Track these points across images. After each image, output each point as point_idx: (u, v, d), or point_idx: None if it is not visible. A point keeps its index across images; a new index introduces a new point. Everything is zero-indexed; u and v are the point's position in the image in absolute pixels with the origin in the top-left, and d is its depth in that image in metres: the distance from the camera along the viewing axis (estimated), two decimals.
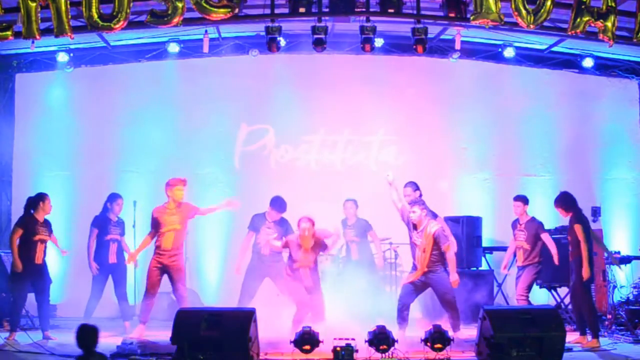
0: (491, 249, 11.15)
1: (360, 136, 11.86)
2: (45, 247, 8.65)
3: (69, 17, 8.53)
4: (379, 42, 10.73)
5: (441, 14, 9.27)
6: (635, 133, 12.10)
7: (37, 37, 8.59)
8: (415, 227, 8.44)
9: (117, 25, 8.54)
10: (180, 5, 8.48)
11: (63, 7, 8.46)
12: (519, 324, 6.72)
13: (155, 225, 8.57)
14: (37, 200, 8.58)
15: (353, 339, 6.88)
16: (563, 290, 10.31)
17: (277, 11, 9.05)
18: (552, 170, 12.03)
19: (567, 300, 10.19)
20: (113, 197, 9.55)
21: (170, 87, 11.59)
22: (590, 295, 8.21)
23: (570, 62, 11.92)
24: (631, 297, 9.57)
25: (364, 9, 9.06)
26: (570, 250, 8.36)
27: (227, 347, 6.51)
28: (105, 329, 9.30)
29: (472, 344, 7.30)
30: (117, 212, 9.52)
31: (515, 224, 9.22)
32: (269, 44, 9.30)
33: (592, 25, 8.82)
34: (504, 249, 10.57)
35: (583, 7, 8.74)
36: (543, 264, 9.07)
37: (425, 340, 7.11)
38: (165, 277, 8.64)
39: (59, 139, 11.48)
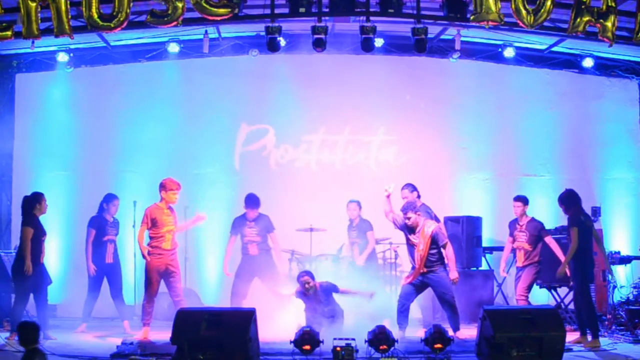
0: (491, 249, 11.15)
1: (360, 136, 11.85)
2: (45, 246, 8.65)
3: (69, 17, 8.53)
4: (379, 42, 10.74)
5: (441, 14, 9.27)
6: (635, 133, 12.11)
7: (37, 37, 8.59)
8: (412, 230, 8.46)
9: (117, 25, 8.54)
10: (180, 5, 8.48)
11: (63, 7, 8.46)
12: (519, 324, 6.72)
13: (153, 224, 8.56)
14: (35, 200, 8.56)
15: (353, 339, 6.88)
16: (563, 290, 10.32)
17: (277, 11, 9.05)
18: (552, 170, 12.03)
19: (567, 300, 10.20)
20: (109, 198, 9.55)
21: (170, 87, 11.59)
22: (589, 296, 8.19)
23: (570, 62, 11.92)
24: (631, 297, 9.56)
25: (364, 9, 9.05)
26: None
27: (227, 347, 6.51)
28: (105, 329, 9.42)
29: (472, 344, 7.29)
30: (113, 213, 9.53)
31: (513, 224, 9.22)
32: (269, 44, 9.30)
33: (592, 25, 8.82)
34: (503, 249, 10.57)
35: (583, 7, 8.74)
36: (543, 263, 9.08)
37: (425, 340, 7.11)
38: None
39: (59, 139, 11.48)
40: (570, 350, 7.53)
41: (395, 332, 7.59)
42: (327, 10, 9.08)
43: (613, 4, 8.79)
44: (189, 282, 10.92)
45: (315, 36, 9.16)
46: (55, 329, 8.94)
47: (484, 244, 10.92)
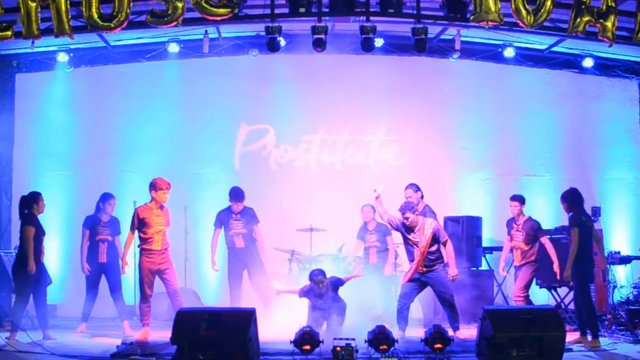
0: (491, 249, 11.14)
1: (360, 136, 11.86)
2: (44, 246, 8.64)
3: (69, 17, 8.53)
4: (379, 42, 10.74)
5: (441, 14, 9.27)
6: (635, 133, 12.11)
7: (37, 37, 8.58)
8: (411, 229, 8.46)
9: (117, 25, 8.53)
10: (180, 5, 8.48)
11: (63, 7, 8.46)
12: (519, 324, 6.72)
13: (142, 225, 8.51)
14: (32, 200, 8.54)
15: (353, 339, 6.88)
16: (563, 290, 10.32)
17: (277, 11, 9.04)
18: (552, 170, 12.03)
19: (567, 300, 10.20)
20: (105, 197, 9.53)
21: (170, 87, 11.59)
22: (589, 296, 8.19)
23: (570, 62, 11.92)
24: (631, 297, 9.56)
25: (364, 9, 9.05)
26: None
27: (227, 347, 6.50)
28: (105, 329, 9.42)
29: (472, 344, 7.29)
30: (109, 212, 9.50)
31: (510, 224, 9.22)
32: (269, 44, 9.29)
33: (592, 25, 8.82)
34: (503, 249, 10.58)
35: (583, 7, 8.74)
36: (541, 262, 9.07)
37: (425, 340, 7.11)
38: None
39: (59, 139, 11.48)
40: (570, 350, 7.52)
41: (395, 332, 7.59)
42: (327, 10, 9.07)
43: (613, 4, 8.79)
44: (189, 282, 10.93)
45: (315, 36, 9.15)
46: (55, 329, 8.94)
47: (484, 244, 10.92)
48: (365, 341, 6.99)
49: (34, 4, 8.44)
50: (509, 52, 11.48)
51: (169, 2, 8.50)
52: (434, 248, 8.46)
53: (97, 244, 9.37)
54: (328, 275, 8.61)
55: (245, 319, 6.68)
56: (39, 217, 8.59)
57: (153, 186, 8.58)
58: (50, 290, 9.00)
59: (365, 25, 9.12)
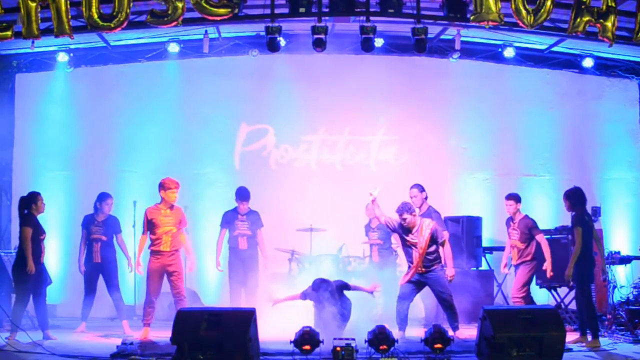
0: (491, 249, 11.15)
1: (360, 136, 11.86)
2: (44, 246, 8.64)
3: (69, 17, 8.53)
4: (379, 42, 10.74)
5: (441, 14, 9.27)
6: (635, 133, 12.11)
7: (37, 37, 8.58)
8: (408, 230, 8.46)
9: (117, 25, 8.53)
10: (180, 5, 8.48)
11: (63, 7, 8.46)
12: (519, 324, 6.71)
13: (151, 226, 8.53)
14: (31, 200, 8.54)
15: (353, 339, 6.87)
16: (563, 290, 10.31)
17: (277, 11, 9.04)
18: (552, 170, 12.03)
19: (567, 300, 10.20)
20: (102, 197, 9.51)
21: (170, 87, 11.59)
22: (589, 296, 8.19)
23: (570, 62, 11.92)
24: (631, 297, 9.56)
25: (364, 9, 9.05)
26: (572, 250, 8.35)
27: (227, 347, 6.50)
28: (105, 329, 9.42)
29: (472, 344, 7.29)
30: (106, 212, 9.48)
31: (508, 222, 9.21)
32: (269, 44, 9.29)
33: (592, 25, 8.82)
34: (503, 249, 10.56)
35: (583, 7, 8.74)
36: (539, 261, 9.04)
37: (425, 340, 7.11)
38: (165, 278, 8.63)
39: (59, 139, 11.48)
40: (570, 350, 7.52)
41: (395, 332, 7.59)
42: (327, 10, 9.07)
43: (613, 4, 8.79)
44: (189, 282, 10.89)
45: (315, 36, 9.15)
46: (55, 329, 8.94)
47: (484, 244, 10.92)
48: (365, 341, 6.99)
49: (34, 4, 8.44)
50: (509, 52, 11.48)
51: (169, 2, 8.50)
52: (432, 249, 8.46)
53: (92, 243, 9.38)
54: (333, 279, 8.60)
55: (245, 319, 6.68)
56: (40, 217, 8.59)
57: (162, 186, 8.56)
58: (50, 290, 8.99)
59: (365, 25, 9.12)
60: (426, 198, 9.35)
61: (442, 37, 11.33)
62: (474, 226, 10.65)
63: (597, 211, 11.02)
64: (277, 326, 8.08)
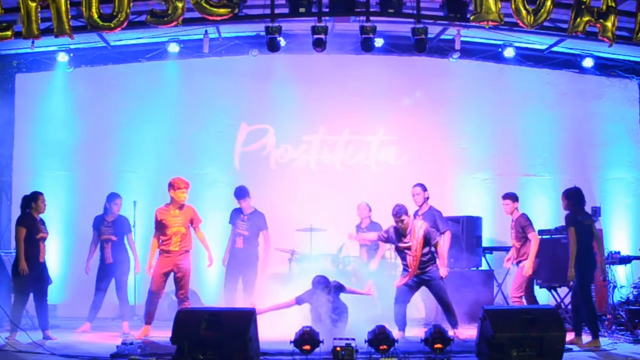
0: (491, 249, 11.15)
1: (360, 136, 11.86)
2: (45, 246, 8.64)
3: (69, 17, 8.53)
4: (379, 42, 10.74)
5: (441, 14, 9.27)
6: (635, 133, 12.12)
7: (37, 37, 8.58)
8: (402, 234, 8.45)
9: (117, 25, 8.53)
10: (180, 5, 8.48)
11: (63, 7, 8.46)
12: (519, 324, 6.71)
13: (160, 227, 8.50)
14: (31, 199, 8.56)
15: (353, 339, 6.88)
16: (563, 290, 10.31)
17: (277, 11, 9.04)
18: (552, 170, 12.03)
19: (567, 300, 10.19)
20: (111, 197, 9.52)
21: (170, 87, 11.59)
22: (589, 296, 8.18)
23: (570, 62, 11.93)
24: (631, 297, 9.56)
25: (364, 9, 9.05)
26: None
27: (227, 347, 6.50)
28: (105, 329, 9.41)
29: (472, 344, 7.29)
30: (115, 212, 9.48)
31: (512, 224, 9.20)
32: (269, 44, 9.29)
33: (592, 25, 8.82)
34: (503, 249, 10.59)
35: (583, 7, 8.74)
36: (541, 262, 9.02)
37: (425, 340, 7.11)
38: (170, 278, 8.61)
39: (59, 139, 11.47)
40: (570, 350, 7.53)
41: (395, 332, 7.59)
42: (327, 10, 9.07)
43: (613, 4, 8.79)
44: (189, 282, 10.90)
45: (315, 36, 9.15)
46: (55, 329, 8.94)
47: (484, 244, 10.92)
48: (365, 341, 6.99)
49: (34, 4, 8.44)
50: (509, 52, 11.48)
51: (169, 2, 8.50)
52: (426, 249, 8.46)
53: (103, 244, 9.37)
54: (331, 279, 8.60)
55: (245, 319, 6.68)
56: (40, 217, 8.60)
57: (171, 186, 8.50)
58: (51, 290, 8.97)
59: (365, 25, 9.12)
60: (427, 198, 9.35)
61: (442, 37, 11.33)
62: (474, 226, 10.65)
63: (597, 211, 11.01)
64: (277, 326, 8.09)
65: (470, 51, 11.67)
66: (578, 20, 8.78)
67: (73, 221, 11.10)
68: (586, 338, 8.13)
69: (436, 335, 7.01)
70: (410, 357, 7.07)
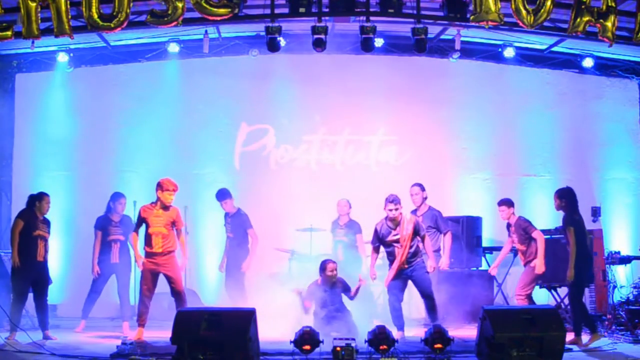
0: (491, 249, 11.14)
1: (360, 136, 11.86)
2: (46, 245, 8.63)
3: (69, 17, 8.52)
4: (379, 42, 10.74)
5: (441, 14, 9.27)
6: (635, 133, 12.12)
7: (37, 37, 8.58)
8: (393, 227, 8.45)
9: (117, 25, 8.53)
10: (180, 5, 8.48)
11: (63, 7, 8.46)
12: (519, 324, 6.71)
13: (141, 223, 8.40)
14: (36, 198, 8.59)
15: (353, 339, 6.88)
16: (563, 290, 10.31)
17: (277, 11, 9.04)
18: (552, 170, 12.03)
19: (567, 300, 10.18)
20: (115, 197, 9.51)
21: (170, 87, 11.59)
22: (580, 296, 8.15)
23: (570, 62, 11.93)
24: (631, 297, 9.56)
25: (364, 9, 9.05)
26: (569, 250, 8.35)
27: (227, 347, 6.50)
28: (105, 329, 9.41)
29: (472, 344, 7.29)
30: (120, 212, 9.47)
31: (508, 227, 9.18)
32: (269, 44, 9.29)
33: (592, 25, 8.82)
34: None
35: (583, 7, 8.74)
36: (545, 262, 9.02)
37: (425, 340, 7.11)
38: (162, 278, 8.58)
39: (59, 139, 11.47)
40: (570, 350, 7.53)
41: (395, 333, 7.59)
42: (327, 10, 9.07)
43: (613, 4, 8.79)
44: (189, 282, 10.92)
45: (315, 36, 9.15)
46: (55, 329, 8.94)
47: (484, 244, 10.92)
48: (365, 341, 6.99)
49: (34, 4, 8.44)
50: (509, 52, 11.48)
51: (169, 2, 8.50)
52: (413, 242, 8.48)
53: (110, 244, 9.33)
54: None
55: (245, 319, 6.68)
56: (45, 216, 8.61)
57: (159, 186, 8.39)
58: (50, 290, 8.96)
59: (365, 25, 9.11)
60: (426, 198, 9.36)
61: (442, 37, 11.33)
62: (474, 226, 10.65)
63: (597, 211, 11.02)
64: (277, 326, 8.09)
65: (470, 51, 11.68)
66: (578, 20, 8.78)
67: (73, 221, 11.10)
68: (586, 338, 8.13)
69: (436, 335, 7.01)
70: (410, 357, 7.07)
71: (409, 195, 9.41)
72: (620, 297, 9.60)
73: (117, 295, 9.44)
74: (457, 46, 11.10)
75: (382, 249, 8.72)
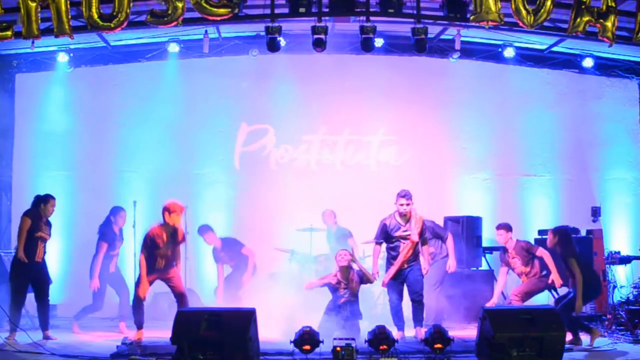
0: (491, 249, 11.13)
1: (360, 136, 11.86)
2: (45, 247, 8.63)
3: (69, 17, 8.52)
4: (379, 42, 10.74)
5: (441, 14, 9.26)
6: (635, 133, 12.12)
7: (37, 37, 8.58)
8: (403, 222, 8.43)
9: (117, 25, 8.53)
10: (180, 5, 8.48)
11: (63, 7, 8.46)
12: (519, 324, 6.71)
13: (151, 248, 8.24)
14: (41, 200, 8.58)
15: (353, 339, 6.88)
16: (563, 291, 10.29)
17: (277, 11, 9.04)
18: (552, 170, 12.04)
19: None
20: (116, 210, 9.47)
21: (170, 87, 11.58)
22: (570, 313, 8.13)
23: (570, 62, 11.93)
24: (631, 297, 9.56)
25: (364, 9, 9.05)
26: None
27: (227, 347, 6.50)
28: (105, 329, 9.41)
29: (472, 344, 7.29)
30: (120, 225, 9.47)
31: (504, 254, 9.09)
32: (269, 44, 9.29)
33: (592, 25, 8.82)
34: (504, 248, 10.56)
35: (583, 7, 8.74)
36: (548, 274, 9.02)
37: (425, 340, 7.11)
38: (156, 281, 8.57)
39: (59, 139, 11.47)
40: (570, 350, 7.53)
41: (395, 333, 7.59)
42: (327, 10, 9.07)
43: (613, 4, 8.79)
44: (189, 282, 10.91)
45: (315, 36, 9.15)
46: (55, 329, 8.93)
47: (484, 244, 10.91)
48: (365, 341, 7.00)
49: (34, 4, 8.44)
50: (509, 52, 11.48)
51: (169, 2, 8.49)
52: (420, 240, 8.49)
53: (111, 257, 9.32)
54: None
55: (245, 319, 6.68)
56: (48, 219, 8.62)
57: (167, 210, 8.23)
58: (50, 290, 8.97)
59: (365, 25, 9.11)
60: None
61: (442, 37, 11.33)
62: (474, 226, 10.64)
63: (597, 211, 11.02)
64: (277, 326, 8.09)
65: (470, 51, 11.67)
66: (578, 20, 8.78)
67: (73, 221, 11.09)
68: (585, 338, 8.13)
69: (436, 335, 7.01)
70: (410, 357, 7.07)
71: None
72: (620, 297, 9.61)
73: (117, 295, 9.45)
74: (457, 46, 11.10)
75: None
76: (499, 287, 9.14)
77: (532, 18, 8.68)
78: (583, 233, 10.22)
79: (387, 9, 8.93)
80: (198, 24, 9.55)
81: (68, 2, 8.46)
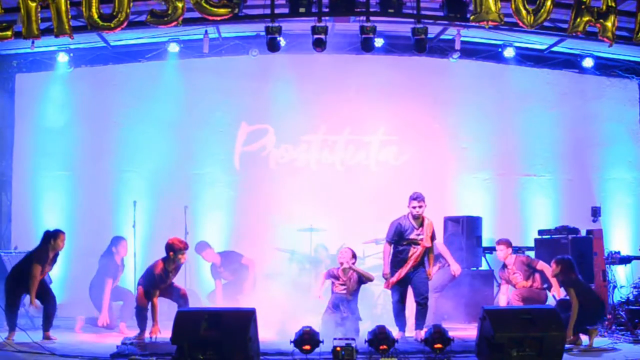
0: (491, 249, 11.11)
1: (360, 136, 11.85)
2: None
3: (69, 17, 8.53)
4: (379, 42, 10.74)
5: (441, 14, 9.27)
6: (635, 133, 12.12)
7: (37, 37, 8.58)
8: (416, 225, 8.41)
9: (117, 25, 8.53)
10: (180, 5, 8.48)
11: (63, 7, 8.47)
12: (519, 324, 6.72)
13: (155, 283, 8.31)
14: (52, 236, 8.49)
15: (353, 339, 6.88)
16: (562, 291, 10.29)
17: (277, 11, 9.05)
18: (552, 170, 12.03)
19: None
20: (117, 240, 9.49)
21: (170, 87, 11.58)
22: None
23: (570, 62, 11.92)
24: (631, 297, 9.57)
25: (364, 9, 9.05)
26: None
27: (227, 347, 6.50)
28: (105, 329, 9.40)
29: (472, 344, 7.29)
30: (123, 255, 9.48)
31: (503, 270, 9.09)
32: (269, 44, 9.29)
33: (592, 25, 8.82)
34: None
35: (583, 7, 8.74)
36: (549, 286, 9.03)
37: (425, 340, 7.11)
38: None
39: (59, 139, 11.46)
40: (570, 350, 7.53)
41: (395, 333, 7.59)
42: (327, 10, 9.08)
43: (613, 4, 8.80)
44: (189, 282, 10.91)
45: (315, 36, 9.15)
46: (56, 329, 8.90)
47: (484, 244, 10.90)
48: (365, 341, 7.00)
49: (34, 4, 8.44)
50: (509, 52, 11.48)
51: (169, 2, 8.50)
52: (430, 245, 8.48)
53: (115, 287, 9.38)
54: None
55: (245, 319, 6.68)
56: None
57: (171, 248, 8.25)
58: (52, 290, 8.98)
59: (365, 25, 9.12)
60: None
61: (442, 37, 11.33)
62: (474, 226, 10.64)
63: (597, 211, 11.01)
64: (277, 326, 8.10)
65: (470, 51, 11.67)
66: (578, 20, 8.79)
67: (73, 221, 11.07)
68: (585, 338, 8.13)
69: (436, 335, 7.02)
70: (410, 357, 7.07)
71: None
72: (620, 297, 9.62)
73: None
74: (457, 46, 11.10)
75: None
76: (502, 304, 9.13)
77: (532, 18, 8.69)
78: (583, 233, 10.22)
79: (387, 9, 8.94)
80: (198, 24, 9.55)
81: (68, 2, 8.48)
